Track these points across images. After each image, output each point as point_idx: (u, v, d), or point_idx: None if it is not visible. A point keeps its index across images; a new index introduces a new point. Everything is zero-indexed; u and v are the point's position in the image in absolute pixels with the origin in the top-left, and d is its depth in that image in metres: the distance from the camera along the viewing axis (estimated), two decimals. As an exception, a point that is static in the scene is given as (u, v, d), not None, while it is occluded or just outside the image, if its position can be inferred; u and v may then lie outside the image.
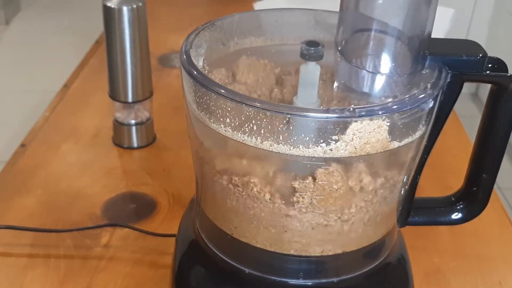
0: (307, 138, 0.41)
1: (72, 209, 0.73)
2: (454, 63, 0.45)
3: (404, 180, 0.48)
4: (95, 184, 0.77)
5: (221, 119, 0.42)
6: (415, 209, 0.54)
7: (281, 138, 0.41)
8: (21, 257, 0.66)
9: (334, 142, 0.41)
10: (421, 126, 0.44)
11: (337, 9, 0.46)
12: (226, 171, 0.46)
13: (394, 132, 0.42)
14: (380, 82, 0.45)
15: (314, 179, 0.43)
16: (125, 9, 0.76)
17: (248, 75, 0.51)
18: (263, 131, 0.41)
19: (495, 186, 0.53)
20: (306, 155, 0.41)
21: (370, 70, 0.45)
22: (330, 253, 0.47)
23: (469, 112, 2.23)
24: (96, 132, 0.88)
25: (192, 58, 0.46)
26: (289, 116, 0.40)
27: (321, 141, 0.41)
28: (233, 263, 0.49)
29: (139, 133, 0.85)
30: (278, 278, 0.48)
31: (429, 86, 0.43)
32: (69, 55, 2.20)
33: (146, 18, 0.79)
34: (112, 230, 0.69)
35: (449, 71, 0.45)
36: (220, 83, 0.48)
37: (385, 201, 0.47)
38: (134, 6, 0.76)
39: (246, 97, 0.41)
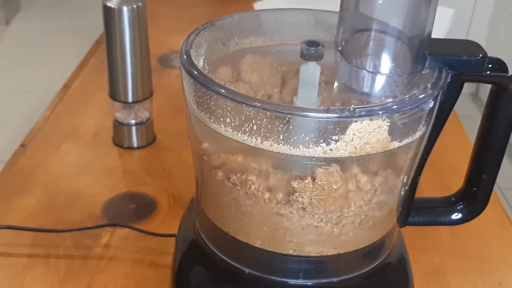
0: (307, 138, 0.41)
1: (72, 209, 0.73)
2: (454, 63, 0.45)
3: (404, 180, 0.48)
4: (95, 184, 0.77)
5: (221, 119, 0.42)
6: (415, 209, 0.54)
7: (281, 138, 0.41)
8: (21, 257, 0.66)
9: (334, 142, 0.41)
10: (421, 126, 0.44)
11: (337, 9, 0.46)
12: (226, 171, 0.46)
13: (394, 132, 0.42)
14: (380, 82, 0.45)
15: (314, 179, 0.43)
16: (125, 9, 0.76)
17: (252, 74, 0.51)
18: (263, 131, 0.41)
19: (495, 186, 0.53)
20: (306, 155, 0.41)
21: (370, 70, 0.45)
22: (329, 253, 0.47)
23: (469, 112, 2.23)
24: (96, 132, 0.88)
25: (192, 58, 0.46)
26: (289, 116, 0.40)
27: (321, 141, 0.41)
28: (233, 263, 0.49)
29: (139, 133, 0.85)
30: (278, 278, 0.48)
31: (429, 86, 0.43)
32: (69, 55, 2.20)
33: (146, 18, 0.79)
34: (112, 230, 0.69)
35: (449, 71, 0.45)
36: (224, 81, 0.49)
37: (385, 201, 0.47)
38: (134, 6, 0.76)
39: (246, 97, 0.41)
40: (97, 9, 0.87)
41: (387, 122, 0.41)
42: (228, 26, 0.52)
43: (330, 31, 0.49)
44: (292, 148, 0.41)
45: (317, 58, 0.44)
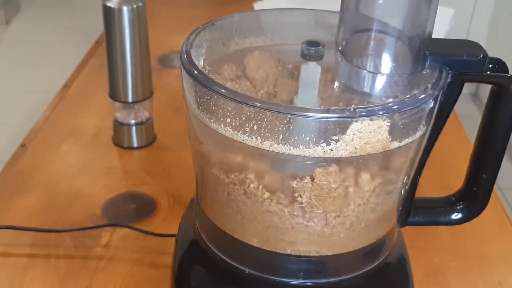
0: (308, 138, 0.41)
1: (72, 209, 0.73)
2: (454, 63, 0.45)
3: (404, 180, 0.48)
4: (95, 184, 0.77)
5: (222, 119, 0.42)
6: (415, 209, 0.54)
7: (281, 138, 0.41)
8: (21, 257, 0.66)
9: (334, 142, 0.41)
10: (421, 126, 0.44)
11: (337, 9, 0.46)
12: (226, 171, 0.46)
13: (394, 132, 0.42)
14: (380, 82, 0.45)
15: (313, 178, 0.43)
16: (125, 9, 0.76)
17: (257, 71, 0.51)
18: (264, 131, 0.41)
19: (495, 186, 0.53)
20: (307, 155, 0.41)
21: (371, 70, 0.45)
22: (329, 253, 0.47)
23: (469, 112, 2.23)
24: (96, 132, 0.88)
25: (193, 58, 0.46)
26: (289, 116, 0.40)
27: (322, 141, 0.41)
28: (233, 263, 0.49)
29: (139, 133, 0.85)
30: (278, 278, 0.48)
31: (429, 86, 0.43)
32: (69, 55, 2.20)
33: (146, 18, 0.79)
34: (112, 230, 0.69)
35: (449, 71, 0.45)
36: (228, 77, 0.48)
37: (385, 201, 0.47)
38: (134, 6, 0.76)
39: (246, 97, 0.41)
40: (97, 9, 0.87)
41: (388, 122, 0.41)
42: (228, 26, 0.52)
43: (330, 31, 0.49)
44: (292, 148, 0.41)
45: (318, 58, 0.44)
